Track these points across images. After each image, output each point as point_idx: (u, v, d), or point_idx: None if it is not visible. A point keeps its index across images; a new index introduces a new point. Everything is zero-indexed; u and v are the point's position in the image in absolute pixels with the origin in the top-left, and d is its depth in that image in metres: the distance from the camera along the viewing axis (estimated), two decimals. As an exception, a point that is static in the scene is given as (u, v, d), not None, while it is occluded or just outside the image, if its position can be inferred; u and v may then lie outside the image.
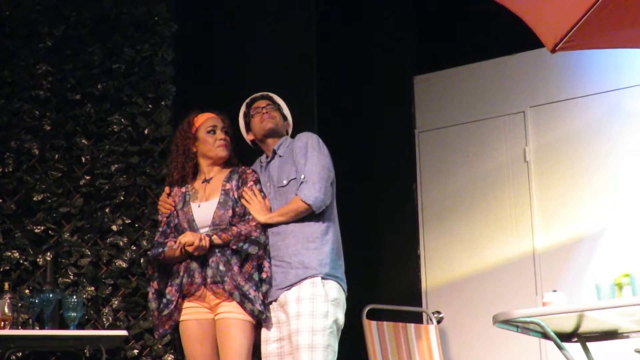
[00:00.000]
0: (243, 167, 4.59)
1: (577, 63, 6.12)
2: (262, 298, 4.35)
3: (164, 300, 4.42)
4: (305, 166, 4.39)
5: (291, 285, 4.31)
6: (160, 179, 5.61)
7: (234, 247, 4.34)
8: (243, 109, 4.72)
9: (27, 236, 5.44)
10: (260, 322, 4.37)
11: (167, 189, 4.63)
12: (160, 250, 4.44)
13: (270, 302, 4.39)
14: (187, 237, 4.34)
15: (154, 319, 4.47)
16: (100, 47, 5.71)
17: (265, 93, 4.71)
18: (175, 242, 4.38)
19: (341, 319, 4.35)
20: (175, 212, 4.53)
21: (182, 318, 4.42)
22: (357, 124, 6.47)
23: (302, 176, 4.37)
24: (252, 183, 4.51)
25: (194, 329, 4.41)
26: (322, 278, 4.30)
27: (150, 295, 4.50)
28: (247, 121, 4.68)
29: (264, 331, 4.38)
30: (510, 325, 4.75)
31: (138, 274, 5.50)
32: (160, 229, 4.54)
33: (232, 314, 4.33)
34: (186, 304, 4.42)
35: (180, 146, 4.60)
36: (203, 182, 4.55)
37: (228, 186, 4.50)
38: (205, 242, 4.32)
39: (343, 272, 4.44)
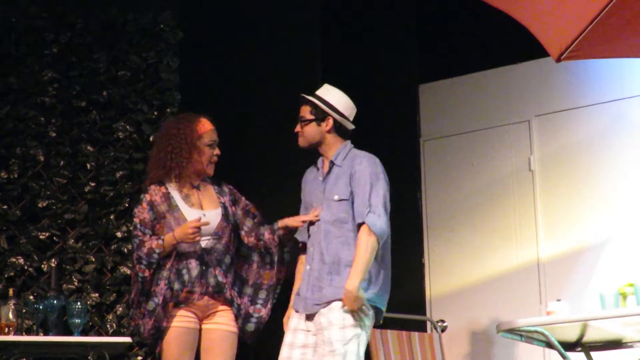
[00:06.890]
0: (225, 184, 4.57)
1: (582, 72, 6.12)
2: (261, 314, 4.40)
3: (152, 304, 4.37)
4: (371, 196, 4.24)
5: (325, 304, 4.21)
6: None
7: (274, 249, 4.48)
8: None
9: (32, 242, 5.45)
10: (253, 334, 4.44)
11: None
12: (156, 256, 4.36)
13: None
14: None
15: (144, 323, 4.38)
16: (105, 54, 5.72)
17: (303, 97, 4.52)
18: (157, 239, 4.31)
19: (365, 338, 4.27)
20: (157, 212, 4.42)
21: (173, 324, 4.35)
22: (362, 133, 6.46)
23: (368, 207, 4.21)
24: (244, 202, 4.55)
25: (184, 337, 4.36)
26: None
27: (140, 297, 4.42)
28: None
29: (289, 335, 4.28)
30: (514, 334, 4.75)
31: (142, 281, 5.50)
32: (143, 231, 4.40)
33: (226, 326, 4.40)
34: (181, 311, 4.36)
35: (184, 144, 4.43)
36: (193, 187, 4.48)
37: (223, 199, 4.48)
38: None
39: (384, 302, 4.31)
